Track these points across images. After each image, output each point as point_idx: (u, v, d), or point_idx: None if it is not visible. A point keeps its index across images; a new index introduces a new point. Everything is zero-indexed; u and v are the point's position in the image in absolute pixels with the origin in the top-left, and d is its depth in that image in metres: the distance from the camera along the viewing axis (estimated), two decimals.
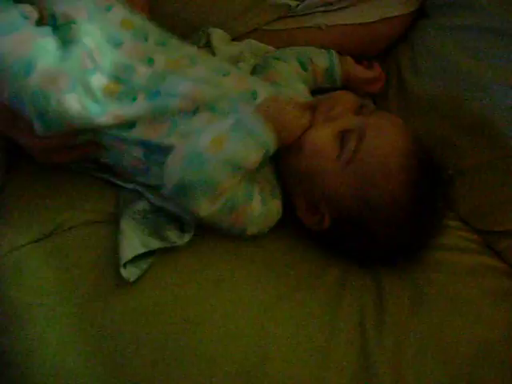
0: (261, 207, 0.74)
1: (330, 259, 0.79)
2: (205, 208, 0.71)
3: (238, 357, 0.69)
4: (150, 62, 0.78)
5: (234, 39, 0.93)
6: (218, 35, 0.90)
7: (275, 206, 0.77)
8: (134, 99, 0.75)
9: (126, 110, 0.75)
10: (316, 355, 0.70)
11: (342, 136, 0.75)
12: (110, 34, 0.78)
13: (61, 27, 0.77)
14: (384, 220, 0.74)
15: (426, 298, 0.76)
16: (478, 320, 0.75)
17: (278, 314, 0.73)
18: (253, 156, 0.71)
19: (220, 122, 0.74)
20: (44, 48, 0.73)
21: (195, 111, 0.76)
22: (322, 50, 0.91)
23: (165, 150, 0.73)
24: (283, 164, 0.78)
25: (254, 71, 0.89)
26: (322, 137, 0.75)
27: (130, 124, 0.75)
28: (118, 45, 0.78)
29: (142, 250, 0.72)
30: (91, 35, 0.76)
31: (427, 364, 0.71)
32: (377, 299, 0.76)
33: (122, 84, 0.76)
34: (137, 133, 0.75)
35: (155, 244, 0.74)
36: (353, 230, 0.75)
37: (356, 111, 0.78)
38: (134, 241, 0.73)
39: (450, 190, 0.80)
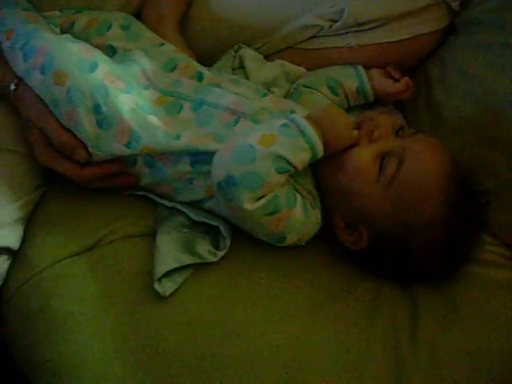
0: (303, 215, 0.75)
1: (363, 273, 0.80)
2: (249, 203, 0.71)
3: (277, 367, 0.71)
4: (200, 76, 0.84)
5: (265, 57, 0.95)
6: (251, 57, 0.92)
7: (315, 217, 0.78)
8: (181, 109, 0.79)
9: (173, 118, 0.79)
10: (352, 369, 0.72)
11: (383, 158, 0.76)
12: (165, 61, 0.84)
13: (119, 53, 0.84)
14: (422, 242, 0.75)
15: (459, 314, 0.77)
16: (509, 336, 0.75)
17: (313, 326, 0.74)
18: (301, 156, 0.72)
19: (269, 122, 0.76)
20: (105, 58, 0.80)
21: (236, 122, 0.79)
22: (350, 69, 0.92)
23: (211, 157, 0.74)
24: (324, 179, 0.79)
25: (286, 98, 0.91)
26: (364, 157, 0.76)
27: (175, 135, 0.78)
28: (172, 69, 0.84)
29: (174, 266, 0.74)
30: (147, 60, 0.83)
31: (462, 379, 0.72)
32: (410, 314, 0.77)
33: (170, 96, 0.80)
34: (183, 142, 0.77)
35: (188, 260, 0.75)
36: (390, 251, 0.76)
37: (397, 133, 0.80)
38: (167, 257, 0.75)
39: (486, 213, 0.81)
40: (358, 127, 0.78)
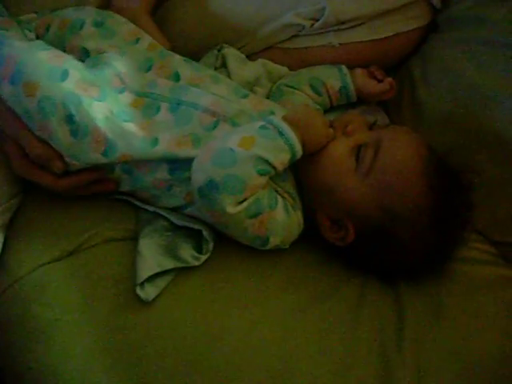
0: (284, 216, 0.75)
1: (348, 272, 0.80)
2: (232, 207, 0.70)
3: (261, 370, 0.70)
4: (176, 76, 0.83)
5: (247, 56, 0.94)
6: (233, 57, 0.91)
7: (297, 218, 0.77)
8: (158, 110, 0.79)
9: (150, 121, 0.78)
10: (337, 368, 0.71)
11: (358, 150, 0.76)
12: (140, 61, 0.83)
13: (92, 56, 0.83)
14: (408, 228, 0.74)
15: (445, 311, 0.77)
16: (497, 332, 0.75)
17: (298, 327, 0.74)
18: (281, 156, 0.72)
19: (248, 125, 0.76)
20: (77, 65, 0.79)
21: (215, 124, 0.78)
22: (333, 69, 0.92)
23: (190, 164, 0.73)
24: (305, 179, 0.79)
25: (268, 98, 0.91)
26: (339, 150, 0.77)
27: (153, 140, 0.77)
28: (148, 69, 0.83)
29: (156, 270, 0.73)
30: (121, 62, 0.82)
31: (448, 378, 0.71)
32: (396, 312, 0.77)
33: (146, 97, 0.79)
34: (161, 148, 0.76)
35: (170, 264, 0.75)
36: (377, 241, 0.76)
37: (370, 128, 0.80)
38: (149, 261, 0.74)
39: (470, 194, 0.80)
40: (331, 125, 0.79)
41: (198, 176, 0.71)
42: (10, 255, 0.79)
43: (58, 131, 0.75)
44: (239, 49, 0.94)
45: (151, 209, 0.81)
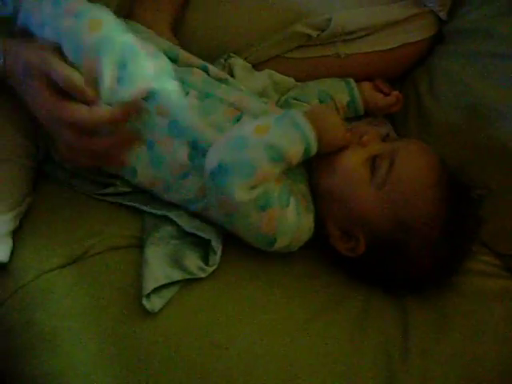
0: (295, 217, 0.74)
1: (354, 283, 0.80)
2: (241, 196, 0.70)
3: (267, 379, 0.70)
4: (205, 68, 0.85)
5: (253, 66, 0.94)
6: (240, 66, 0.92)
7: (308, 222, 0.77)
8: (187, 94, 0.80)
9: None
10: (343, 379, 0.71)
11: (373, 161, 0.77)
12: (167, 50, 0.84)
13: None
14: (419, 241, 0.75)
15: (450, 324, 0.77)
16: (501, 345, 0.76)
17: (304, 338, 0.74)
18: (295, 147, 0.72)
19: (265, 116, 0.77)
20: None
21: (239, 118, 0.80)
22: (341, 82, 0.93)
23: None
24: (318, 186, 0.79)
25: None
26: (354, 160, 0.77)
27: (184, 109, 0.77)
28: (174, 59, 0.84)
29: (163, 282, 0.73)
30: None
31: None
32: (401, 324, 0.77)
33: (178, 81, 0.79)
34: (189, 121, 0.77)
35: (177, 276, 0.74)
36: (388, 253, 0.76)
37: (383, 140, 0.81)
38: (156, 272, 0.74)
39: (480, 209, 0.81)
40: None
41: (211, 158, 0.72)
42: (15, 261, 0.78)
43: (107, 73, 0.72)
44: (245, 58, 0.94)
45: (159, 212, 0.80)
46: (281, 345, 0.73)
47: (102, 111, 0.71)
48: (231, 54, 0.93)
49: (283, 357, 0.72)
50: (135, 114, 0.73)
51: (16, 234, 0.81)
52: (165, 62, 0.81)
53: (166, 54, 0.83)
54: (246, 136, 0.72)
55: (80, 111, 0.71)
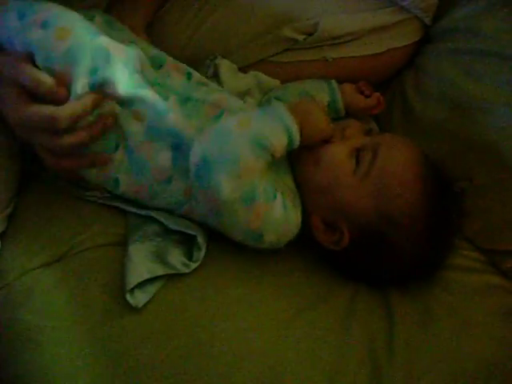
0: (282, 211, 0.74)
1: (339, 280, 0.80)
2: (226, 190, 0.69)
3: (251, 378, 0.70)
4: (189, 75, 0.84)
5: (240, 68, 0.95)
6: (225, 67, 0.92)
7: (295, 216, 0.77)
8: (167, 99, 0.79)
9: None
10: (329, 375, 0.71)
11: (357, 153, 0.77)
12: (152, 57, 0.84)
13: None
14: (403, 233, 0.75)
15: (434, 318, 0.77)
16: (485, 339, 0.76)
17: (289, 334, 0.74)
18: (278, 139, 0.72)
19: (247, 111, 0.77)
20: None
21: (220, 115, 0.80)
22: (323, 83, 0.93)
23: None
24: (302, 178, 0.79)
25: None
26: (339, 152, 0.78)
27: (165, 110, 0.76)
28: (159, 66, 0.84)
29: (146, 277, 0.73)
30: (136, 50, 0.81)
31: (438, 383, 0.71)
32: (386, 319, 0.77)
33: (156, 86, 0.79)
34: (173, 118, 0.76)
35: (160, 270, 0.74)
36: (371, 245, 0.76)
37: (366, 133, 0.82)
38: (139, 267, 0.74)
39: (462, 201, 0.82)
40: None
41: (195, 153, 0.72)
42: None
43: (79, 81, 0.73)
44: (231, 61, 0.94)
45: (143, 212, 0.80)
46: (266, 341, 0.72)
47: (67, 108, 0.72)
48: (217, 55, 0.93)
49: (268, 353, 0.72)
50: (102, 101, 0.74)
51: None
52: (138, 64, 0.80)
53: (151, 59, 0.83)
54: (229, 128, 0.72)
55: (47, 109, 0.71)
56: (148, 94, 0.76)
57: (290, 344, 0.73)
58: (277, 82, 0.95)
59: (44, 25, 0.73)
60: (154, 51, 0.86)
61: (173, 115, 0.76)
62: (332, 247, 0.77)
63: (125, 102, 0.76)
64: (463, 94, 0.88)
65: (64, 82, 0.73)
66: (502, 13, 0.88)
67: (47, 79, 0.72)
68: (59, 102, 0.72)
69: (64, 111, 0.72)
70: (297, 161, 0.78)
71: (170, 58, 0.86)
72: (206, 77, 0.91)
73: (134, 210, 0.81)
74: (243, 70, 0.95)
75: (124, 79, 0.75)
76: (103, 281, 0.75)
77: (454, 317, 0.77)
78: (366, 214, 0.75)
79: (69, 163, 0.77)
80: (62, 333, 0.72)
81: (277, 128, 0.73)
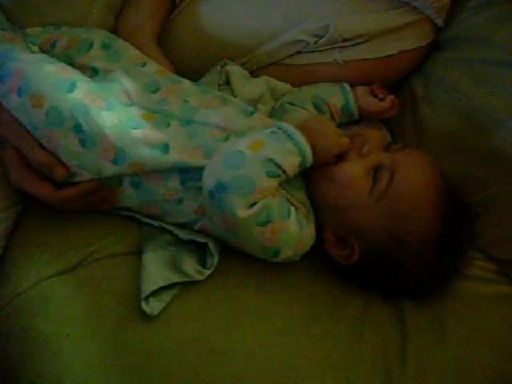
0: (297, 227, 0.74)
1: (351, 289, 0.80)
2: (242, 213, 0.69)
3: None
4: (186, 101, 0.83)
5: (250, 72, 0.95)
6: (237, 74, 0.92)
7: (310, 230, 0.77)
8: (168, 125, 0.79)
9: (160, 131, 0.78)
10: None
11: (375, 172, 0.77)
12: (147, 83, 0.83)
13: (100, 74, 0.83)
14: (413, 254, 0.75)
15: (447, 328, 0.77)
16: (497, 350, 0.76)
17: (301, 343, 0.74)
18: (291, 159, 0.72)
19: (258, 131, 0.76)
20: (83, 78, 0.79)
21: (227, 138, 0.79)
22: (335, 87, 0.92)
23: (202, 174, 0.73)
24: (316, 193, 0.79)
25: (271, 115, 0.91)
26: (355, 171, 0.77)
27: (163, 147, 0.76)
28: (155, 91, 0.83)
29: (161, 284, 0.73)
30: (128, 80, 0.82)
31: None
32: (399, 329, 0.77)
33: (156, 113, 0.80)
34: (173, 156, 0.76)
35: (175, 278, 0.75)
36: (381, 263, 0.76)
37: (386, 148, 0.81)
38: (154, 275, 0.74)
39: (475, 226, 0.81)
40: (350, 137, 0.79)
41: (208, 179, 0.71)
42: (13, 268, 0.79)
43: (66, 141, 0.75)
44: (242, 65, 0.94)
45: (156, 223, 0.81)
46: (280, 350, 0.73)
47: (62, 193, 0.77)
48: (228, 61, 0.93)
49: (282, 363, 0.72)
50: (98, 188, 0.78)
51: (12, 242, 0.81)
52: (126, 97, 0.80)
53: (146, 86, 0.83)
54: (241, 152, 0.71)
55: (44, 191, 0.77)
56: (140, 138, 0.76)
57: (303, 353, 0.74)
58: (288, 87, 0.95)
59: (19, 92, 0.76)
60: (151, 75, 0.85)
61: (170, 155, 0.76)
62: (342, 262, 0.78)
63: (117, 157, 0.76)
64: (474, 104, 0.88)
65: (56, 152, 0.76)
66: None
67: (46, 159, 0.76)
68: (57, 180, 0.77)
69: (56, 197, 0.77)
70: (312, 177, 0.78)
71: (167, 80, 0.85)
72: (219, 84, 0.91)
73: (147, 220, 0.81)
74: (254, 73, 0.95)
75: (112, 125, 0.76)
76: (118, 289, 0.76)
77: (467, 327, 0.77)
78: (377, 235, 0.75)
79: (76, 206, 0.80)
80: (77, 341, 0.73)
81: (289, 149, 0.72)
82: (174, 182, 0.78)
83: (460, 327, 0.77)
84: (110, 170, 0.77)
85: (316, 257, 0.80)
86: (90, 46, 0.87)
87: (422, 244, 0.75)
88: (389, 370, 0.73)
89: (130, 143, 0.76)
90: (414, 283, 0.78)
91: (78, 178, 0.78)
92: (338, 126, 0.92)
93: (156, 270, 0.75)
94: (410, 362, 0.74)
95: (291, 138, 0.73)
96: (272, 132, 0.74)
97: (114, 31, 0.93)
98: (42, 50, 0.87)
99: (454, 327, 0.77)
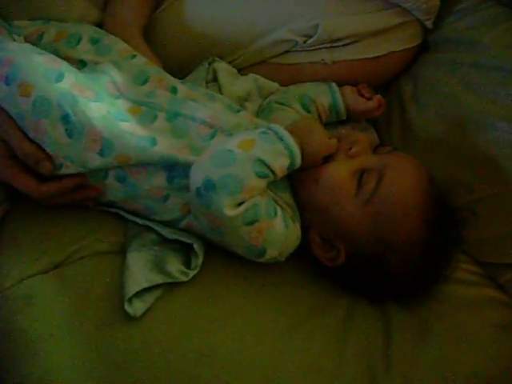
0: (283, 227, 0.74)
1: (336, 291, 0.80)
2: (229, 212, 0.69)
3: None
4: (174, 90, 0.83)
5: (238, 70, 0.94)
6: (224, 71, 0.91)
7: (295, 230, 0.76)
8: (155, 118, 0.78)
9: (147, 127, 0.77)
10: None
11: (361, 174, 0.76)
12: (136, 75, 0.83)
13: (89, 66, 0.83)
14: (399, 258, 0.75)
15: (431, 331, 0.77)
16: (480, 353, 0.76)
17: (287, 345, 0.74)
18: (280, 161, 0.72)
19: (247, 131, 0.76)
20: (72, 69, 0.79)
21: (213, 135, 0.78)
22: (323, 86, 0.92)
23: (189, 171, 0.73)
24: (301, 194, 0.78)
25: (258, 114, 0.90)
26: (341, 172, 0.77)
27: (151, 140, 0.76)
28: (144, 82, 0.83)
29: (144, 285, 0.73)
30: (117, 72, 0.81)
31: None
32: (384, 332, 0.77)
33: (142, 106, 0.79)
34: (160, 149, 0.75)
35: (158, 279, 0.74)
36: (367, 266, 0.76)
37: (374, 150, 0.81)
38: (137, 276, 0.73)
39: (461, 231, 0.82)
40: (337, 138, 0.79)
41: (196, 176, 0.71)
42: None
43: (53, 131, 0.74)
44: (230, 62, 0.94)
45: (141, 222, 0.80)
46: (264, 352, 0.73)
47: (46, 188, 0.76)
48: (215, 58, 0.93)
49: (266, 364, 0.72)
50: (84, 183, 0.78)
51: None
52: (115, 89, 0.80)
53: (134, 77, 0.82)
54: (230, 151, 0.71)
55: (28, 185, 0.76)
56: (128, 130, 0.76)
57: (287, 355, 0.73)
58: (276, 85, 0.94)
59: (7, 81, 0.74)
60: (140, 66, 0.85)
61: (157, 147, 0.75)
62: (328, 263, 0.77)
63: (104, 148, 0.75)
64: (462, 107, 0.88)
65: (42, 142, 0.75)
66: (503, 25, 0.88)
67: (33, 151, 0.75)
68: (44, 174, 0.76)
69: (39, 191, 0.76)
70: (297, 178, 0.78)
71: (156, 71, 0.85)
72: (206, 81, 0.90)
73: (132, 218, 0.81)
74: (241, 71, 0.94)
75: (100, 116, 0.75)
76: (101, 289, 0.75)
77: (451, 330, 0.77)
78: (364, 238, 0.75)
79: (60, 201, 0.79)
80: (60, 341, 0.72)
81: (279, 150, 0.72)
82: (160, 180, 0.77)
83: (444, 330, 0.77)
84: (96, 161, 0.76)
85: (302, 258, 0.80)
86: (79, 40, 0.86)
87: (409, 247, 0.75)
88: (373, 372, 0.73)
89: (117, 135, 0.75)
90: (401, 286, 0.78)
91: (63, 171, 0.77)
92: (325, 124, 0.93)
93: (140, 270, 0.74)
94: (395, 364, 0.74)
95: (281, 139, 0.73)
96: (262, 132, 0.74)
97: (98, 24, 0.92)
98: (27, 42, 0.86)
99: (439, 329, 0.77)
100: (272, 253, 0.74)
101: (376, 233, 0.75)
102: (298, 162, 0.74)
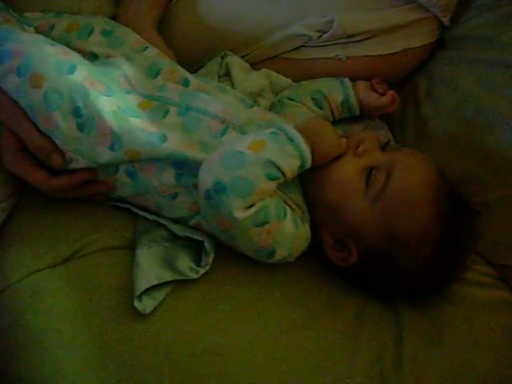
0: (293, 228, 0.73)
1: (347, 290, 0.79)
2: (239, 214, 0.68)
3: None
4: (186, 82, 0.82)
5: (251, 64, 0.93)
6: (237, 66, 0.90)
7: (305, 231, 0.76)
8: (166, 113, 0.78)
9: (158, 122, 0.77)
10: None
11: (369, 172, 0.76)
12: (148, 67, 0.82)
13: (100, 59, 0.82)
14: (412, 255, 0.74)
15: (443, 333, 0.76)
16: (494, 356, 0.75)
17: (296, 344, 0.73)
18: (291, 162, 0.71)
19: (258, 131, 0.75)
20: (84, 61, 0.78)
21: (224, 131, 0.77)
22: (335, 81, 0.91)
23: (198, 169, 0.72)
24: (311, 194, 0.78)
25: (270, 110, 0.90)
26: (349, 171, 0.76)
27: (161, 136, 0.75)
28: (156, 74, 0.82)
29: (154, 282, 0.72)
30: (129, 66, 0.81)
31: None
32: (395, 334, 0.76)
33: (154, 100, 0.79)
34: (169, 146, 0.75)
35: (168, 276, 0.73)
36: (380, 265, 0.75)
37: (382, 148, 0.79)
38: (147, 273, 0.73)
39: (476, 224, 0.80)
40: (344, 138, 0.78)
41: (206, 178, 0.70)
42: (3, 259, 0.77)
43: (64, 124, 0.74)
44: (243, 57, 0.93)
45: (151, 217, 0.79)
46: (274, 351, 0.72)
47: (56, 181, 0.76)
48: (228, 52, 0.92)
49: (276, 363, 0.71)
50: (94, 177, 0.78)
51: (4, 233, 0.80)
52: (126, 83, 0.79)
53: (146, 70, 0.82)
54: (241, 152, 0.70)
55: (39, 178, 0.76)
56: (138, 126, 0.75)
57: (298, 353, 0.72)
58: (288, 81, 0.93)
59: (19, 72, 0.74)
60: (153, 58, 0.84)
61: (167, 144, 0.75)
62: (340, 263, 0.77)
63: (114, 143, 0.75)
64: (478, 105, 0.87)
65: (52, 135, 0.75)
66: None
67: (44, 144, 0.75)
68: (55, 167, 0.75)
69: (49, 185, 0.76)
70: (307, 178, 0.77)
71: (168, 63, 0.84)
72: (218, 76, 0.89)
73: (142, 213, 0.80)
74: (254, 66, 0.93)
75: (111, 111, 0.75)
76: (110, 284, 0.75)
77: (463, 332, 0.77)
78: (375, 235, 0.74)
79: (70, 195, 0.79)
80: (68, 336, 0.71)
81: (290, 152, 0.71)
82: (168, 177, 0.76)
83: (457, 332, 0.77)
84: (106, 156, 0.75)
85: (313, 257, 0.79)
86: (91, 32, 0.85)
87: (421, 244, 0.73)
88: (384, 375, 0.72)
89: (127, 130, 0.75)
90: (414, 285, 0.76)
91: (72, 165, 0.76)
92: (338, 121, 0.92)
93: (150, 267, 0.74)
94: (406, 368, 0.73)
95: (292, 140, 0.72)
96: (272, 133, 0.73)
97: (112, 19, 0.91)
98: (38, 33, 0.85)
99: (451, 332, 0.76)
100: (281, 253, 0.74)
101: (387, 230, 0.74)
102: (309, 163, 0.73)
